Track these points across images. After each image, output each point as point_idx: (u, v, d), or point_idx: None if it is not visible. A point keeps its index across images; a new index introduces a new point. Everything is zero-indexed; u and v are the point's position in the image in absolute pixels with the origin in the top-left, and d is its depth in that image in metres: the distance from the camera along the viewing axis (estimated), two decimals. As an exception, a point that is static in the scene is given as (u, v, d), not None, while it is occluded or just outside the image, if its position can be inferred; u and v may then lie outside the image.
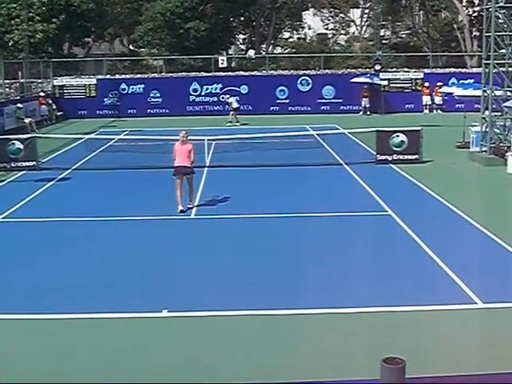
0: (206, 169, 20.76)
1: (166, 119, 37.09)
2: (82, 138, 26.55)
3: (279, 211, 15.62)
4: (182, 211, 15.48)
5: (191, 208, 15.92)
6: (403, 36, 60.35)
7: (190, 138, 16.20)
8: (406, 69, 41.75)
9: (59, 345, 8.85)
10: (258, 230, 14.30)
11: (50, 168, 21.95)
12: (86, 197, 18.00)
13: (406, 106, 39.22)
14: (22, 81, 39.17)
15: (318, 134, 26.27)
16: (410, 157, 21.74)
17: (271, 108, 39.49)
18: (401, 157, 21.77)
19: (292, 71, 41.95)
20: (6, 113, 31.89)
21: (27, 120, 32.19)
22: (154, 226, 14.80)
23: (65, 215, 15.68)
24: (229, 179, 19.83)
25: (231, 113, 34.41)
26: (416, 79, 39.83)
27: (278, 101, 39.87)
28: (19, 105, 33.06)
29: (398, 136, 21.84)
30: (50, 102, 37.56)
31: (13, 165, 21.70)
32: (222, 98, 39.12)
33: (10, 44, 43.64)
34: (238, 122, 33.86)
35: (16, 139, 22.20)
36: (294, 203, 16.49)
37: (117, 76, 41.44)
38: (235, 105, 34.51)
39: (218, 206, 16.46)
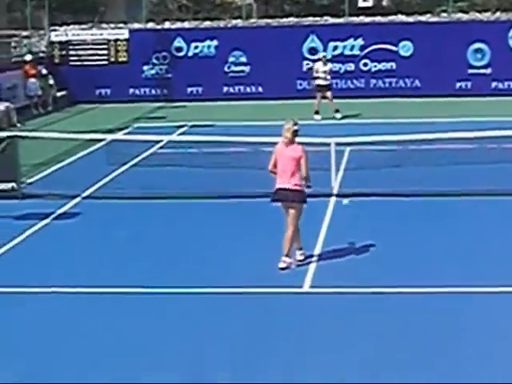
0: (332, 198, 15.03)
1: (258, 105, 28.15)
2: (101, 140, 21.08)
3: (465, 282, 10.48)
4: (282, 269, 11.13)
5: (301, 265, 11.20)
6: None
7: (301, 139, 11.17)
8: None
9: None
10: (428, 316, 9.28)
11: (40, 195, 16.39)
12: (102, 255, 12.57)
13: None
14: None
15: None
16: None
17: (458, 84, 27.76)
18: None
19: (498, 14, 29.51)
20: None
21: (0, 106, 26.45)
22: (243, 304, 10.19)
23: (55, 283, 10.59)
24: (374, 218, 13.66)
25: (318, 94, 24.70)
26: None
27: (470, 70, 27.92)
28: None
29: None
30: (45, 72, 29.87)
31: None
32: (365, 65, 28.24)
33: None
34: (337, 110, 23.98)
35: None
36: (492, 269, 10.90)
37: (167, 24, 31.54)
38: (321, 81, 24.40)
39: (352, 269, 11.14)
